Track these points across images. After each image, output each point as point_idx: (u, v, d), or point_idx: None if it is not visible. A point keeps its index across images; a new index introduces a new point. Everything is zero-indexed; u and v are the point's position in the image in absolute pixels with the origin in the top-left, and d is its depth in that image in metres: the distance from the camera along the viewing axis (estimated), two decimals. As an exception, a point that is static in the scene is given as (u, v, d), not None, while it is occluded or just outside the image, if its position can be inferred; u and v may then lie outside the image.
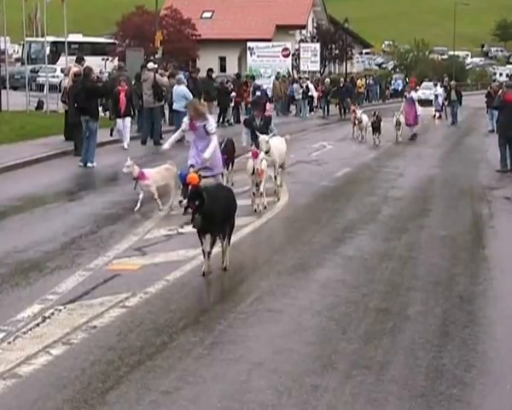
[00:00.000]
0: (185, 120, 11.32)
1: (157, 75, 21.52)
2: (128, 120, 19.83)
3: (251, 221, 11.13)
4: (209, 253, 8.19)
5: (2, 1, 25.22)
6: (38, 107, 27.71)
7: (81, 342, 6.22)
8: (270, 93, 36.86)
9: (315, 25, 56.34)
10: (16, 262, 8.66)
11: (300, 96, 36.38)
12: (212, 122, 11.20)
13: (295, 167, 17.37)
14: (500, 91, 18.74)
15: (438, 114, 35.03)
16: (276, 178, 13.12)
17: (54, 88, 28.28)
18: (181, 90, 22.58)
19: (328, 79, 40.45)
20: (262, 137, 12.57)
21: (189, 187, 8.30)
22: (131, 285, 7.77)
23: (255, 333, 6.62)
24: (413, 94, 25.69)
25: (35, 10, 46.95)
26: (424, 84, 51.19)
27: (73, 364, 5.85)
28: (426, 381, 5.71)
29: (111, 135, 21.13)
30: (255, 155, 11.89)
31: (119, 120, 19.72)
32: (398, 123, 23.76)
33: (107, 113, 23.36)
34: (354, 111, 24.96)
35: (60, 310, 7.02)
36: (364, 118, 23.68)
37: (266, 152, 12.43)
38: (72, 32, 40.19)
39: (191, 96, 23.00)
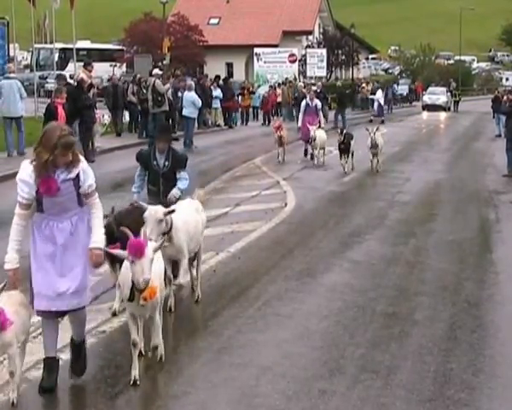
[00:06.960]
0: (23, 177, 5.34)
1: (156, 81, 21.45)
2: None
3: (258, 226, 11.17)
4: None
5: (12, 8, 25.39)
6: (46, 113, 27.80)
7: (90, 347, 6.24)
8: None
9: (321, 30, 56.38)
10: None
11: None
12: (89, 170, 5.47)
13: (302, 172, 17.43)
14: (505, 97, 18.73)
15: (377, 119, 32.83)
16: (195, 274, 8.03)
17: (62, 94, 28.31)
18: (190, 96, 22.73)
19: (301, 83, 37.00)
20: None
21: None
22: (140, 290, 7.78)
23: (263, 338, 6.64)
24: (317, 102, 19.60)
25: (44, 17, 47.21)
26: (430, 89, 51.19)
27: (83, 368, 5.88)
28: (433, 385, 5.73)
29: None
30: (135, 251, 5.34)
31: None
32: (375, 145, 17.28)
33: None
34: (280, 127, 19.06)
35: (69, 315, 7.04)
36: (320, 135, 18.23)
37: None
38: (80, 38, 40.33)
39: (200, 103, 23.15)
